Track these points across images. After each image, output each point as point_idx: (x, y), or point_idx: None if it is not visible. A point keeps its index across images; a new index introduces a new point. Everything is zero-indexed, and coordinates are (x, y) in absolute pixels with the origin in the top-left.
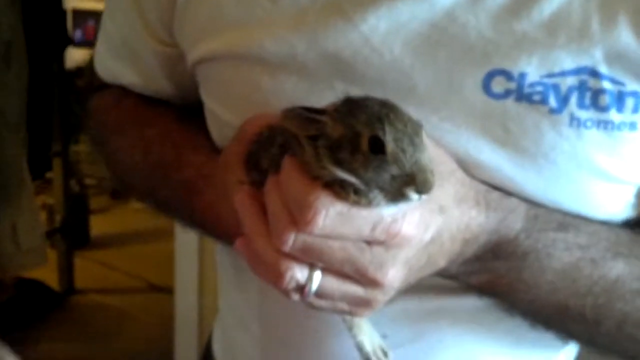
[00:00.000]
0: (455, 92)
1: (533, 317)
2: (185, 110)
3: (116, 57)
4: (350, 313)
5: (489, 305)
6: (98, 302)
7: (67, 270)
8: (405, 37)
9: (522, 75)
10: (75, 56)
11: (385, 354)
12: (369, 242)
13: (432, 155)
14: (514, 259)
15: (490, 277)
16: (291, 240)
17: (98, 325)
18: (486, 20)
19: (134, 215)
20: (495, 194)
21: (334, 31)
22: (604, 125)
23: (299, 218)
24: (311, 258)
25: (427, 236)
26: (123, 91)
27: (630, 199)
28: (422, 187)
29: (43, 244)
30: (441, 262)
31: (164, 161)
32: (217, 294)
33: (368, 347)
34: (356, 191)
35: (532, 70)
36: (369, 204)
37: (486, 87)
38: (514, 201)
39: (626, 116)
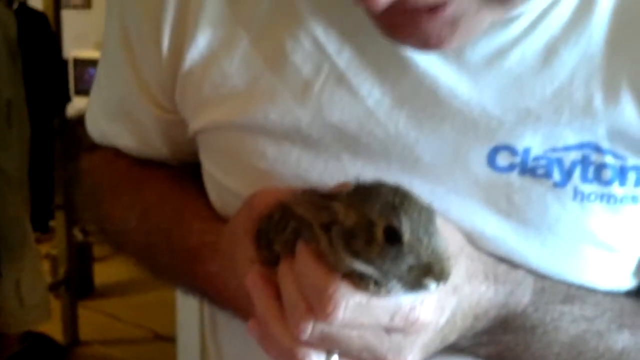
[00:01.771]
0: (460, 165)
1: None
2: (180, 170)
3: (111, 119)
4: None
5: None
6: (103, 354)
7: (71, 322)
8: (409, 112)
9: (526, 150)
10: (77, 104)
11: None
12: (387, 329)
13: (442, 233)
14: (523, 332)
15: (499, 349)
16: (309, 329)
17: None
18: (489, 96)
19: None
20: (503, 267)
21: (339, 105)
22: (607, 198)
23: (317, 309)
24: (329, 346)
25: (443, 320)
26: (115, 152)
27: (632, 268)
28: (440, 277)
29: (47, 299)
30: (452, 338)
31: (164, 227)
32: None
33: None
34: (375, 282)
35: (536, 145)
36: (388, 293)
37: (491, 161)
38: (520, 274)
39: (628, 189)
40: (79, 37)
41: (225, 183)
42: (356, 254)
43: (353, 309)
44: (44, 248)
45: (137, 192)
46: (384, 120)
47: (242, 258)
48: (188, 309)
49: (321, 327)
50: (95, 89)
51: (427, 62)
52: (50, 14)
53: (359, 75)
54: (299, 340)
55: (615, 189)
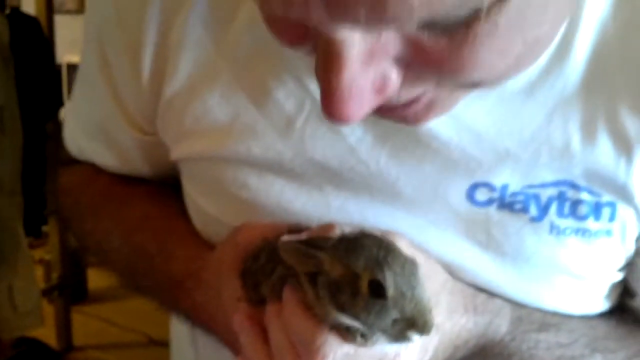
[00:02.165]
0: (440, 199)
1: None
2: (162, 188)
3: (90, 137)
4: None
5: None
6: (97, 359)
7: (65, 327)
8: (390, 150)
9: (504, 187)
10: None
11: None
12: None
13: (425, 272)
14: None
15: None
16: None
17: None
18: (468, 137)
19: None
20: (481, 297)
21: (322, 141)
22: (582, 232)
23: (305, 358)
24: None
25: (427, 356)
26: (95, 168)
27: (605, 293)
28: (423, 329)
29: (40, 305)
30: None
31: (147, 250)
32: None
33: None
34: (362, 334)
35: (514, 182)
36: (374, 345)
37: (470, 196)
38: (498, 303)
39: (603, 224)
40: (72, 43)
41: (207, 209)
42: (342, 308)
43: (341, 359)
44: (38, 253)
45: (119, 211)
46: (366, 157)
47: (229, 296)
48: None
49: None
50: (72, 106)
51: None
52: (42, 19)
53: None
54: None
55: (590, 223)
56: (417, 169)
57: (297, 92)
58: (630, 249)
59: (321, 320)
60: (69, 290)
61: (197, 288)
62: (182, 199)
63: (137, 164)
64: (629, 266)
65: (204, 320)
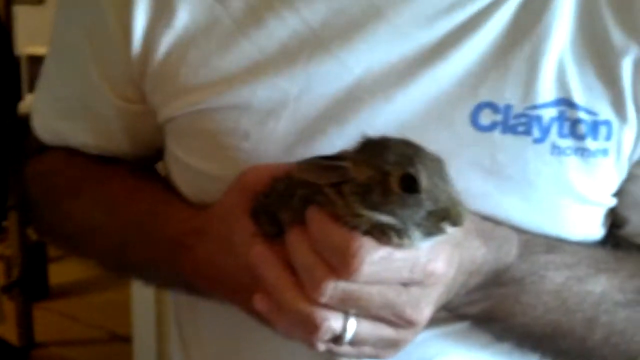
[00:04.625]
0: (445, 126)
1: (525, 339)
2: (142, 167)
3: (65, 116)
4: (375, 356)
5: (477, 329)
6: (59, 355)
7: (26, 324)
8: (396, 76)
9: (508, 107)
10: (30, 103)
11: None
12: (405, 284)
13: None
14: (513, 283)
15: (490, 304)
16: (330, 289)
17: None
18: (473, 55)
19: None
20: (488, 224)
21: (327, 74)
22: (581, 152)
23: (341, 267)
24: (349, 306)
25: (453, 272)
26: (68, 152)
27: (601, 220)
28: (457, 220)
29: (0, 301)
30: (450, 296)
31: (137, 221)
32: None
33: None
34: (397, 234)
35: (517, 103)
36: (411, 244)
37: (474, 120)
38: (504, 229)
39: (600, 144)
40: (32, 34)
41: (202, 168)
42: (374, 207)
43: (377, 263)
44: None
45: (100, 188)
46: (371, 86)
47: (242, 235)
48: (144, 308)
49: (343, 286)
50: (42, 90)
51: (410, 23)
52: (1, 10)
53: (345, 46)
54: (318, 303)
55: (589, 143)
56: (423, 93)
57: (299, 29)
58: (623, 172)
59: (353, 227)
60: (30, 286)
61: (200, 243)
62: (159, 176)
63: (117, 139)
64: (619, 193)
65: (209, 277)
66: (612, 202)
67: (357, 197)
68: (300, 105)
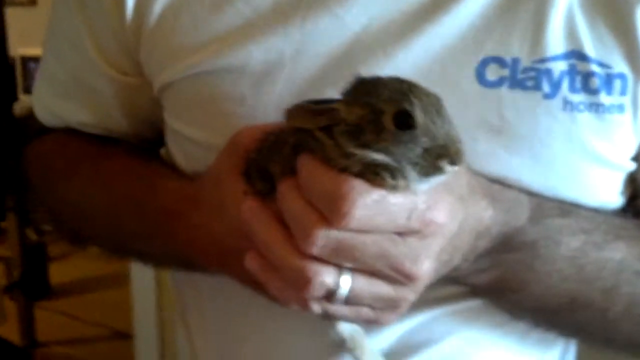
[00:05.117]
0: (449, 83)
1: (540, 313)
2: (139, 147)
3: (63, 96)
4: (375, 320)
5: (492, 306)
6: (62, 354)
7: (28, 324)
8: (396, 33)
9: (515, 61)
10: (24, 103)
11: None
12: (401, 234)
13: None
14: (525, 248)
15: (501, 272)
16: (321, 238)
17: None
18: (477, 7)
19: (94, 261)
20: (496, 186)
21: (323, 31)
22: (595, 108)
23: (331, 213)
24: (342, 258)
25: (454, 226)
26: (67, 134)
27: (620, 186)
28: (456, 158)
29: (1, 302)
30: (457, 259)
31: (133, 193)
32: (176, 337)
33: None
34: (392, 174)
35: (524, 56)
36: (406, 186)
37: (480, 76)
38: (514, 192)
39: (615, 98)
40: (25, 35)
41: (197, 137)
42: (366, 146)
43: (369, 207)
44: None
45: (97, 166)
46: (371, 43)
47: (233, 194)
48: (145, 306)
49: (334, 234)
50: (42, 72)
51: None
52: None
53: (342, 1)
54: (309, 255)
55: (603, 97)
56: (426, 49)
57: None
58: None
59: (344, 169)
60: (31, 286)
61: (193, 209)
62: (160, 157)
63: (115, 116)
64: (639, 158)
65: (202, 244)
66: (631, 166)
67: (349, 137)
68: (297, 66)
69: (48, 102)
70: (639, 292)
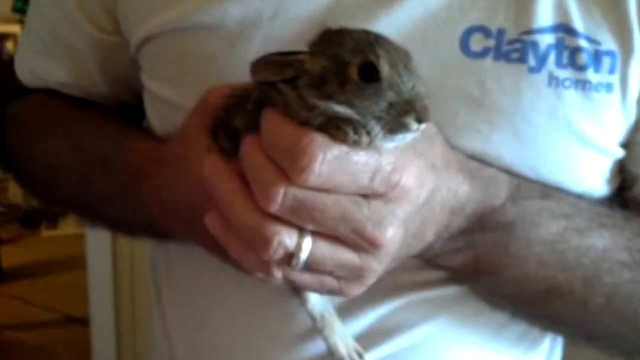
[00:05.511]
0: (431, 51)
1: (517, 301)
2: (116, 110)
3: (44, 54)
4: (340, 292)
5: (467, 295)
6: (13, 339)
7: None
8: None
9: (501, 32)
10: None
11: (360, 355)
12: (366, 197)
13: None
14: (501, 229)
15: (476, 253)
16: (280, 195)
17: None
18: None
19: (46, 244)
20: (475, 163)
21: None
22: (582, 85)
23: (290, 168)
24: (302, 218)
25: (424, 194)
26: (46, 94)
27: (606, 173)
28: (422, 115)
29: None
30: (429, 235)
31: (102, 153)
32: (134, 322)
33: (342, 349)
34: (354, 129)
35: (510, 27)
36: (370, 142)
37: (464, 45)
38: (493, 170)
39: (603, 77)
40: None
41: (171, 98)
42: (329, 97)
43: (330, 163)
44: None
45: (71, 128)
46: (351, 7)
47: (196, 150)
48: (101, 290)
49: (295, 192)
50: (26, 30)
51: None
52: None
53: None
54: (269, 212)
55: (590, 75)
56: (408, 14)
57: None
58: (631, 115)
59: (304, 122)
60: None
61: (160, 169)
62: (136, 121)
63: (94, 76)
64: (628, 146)
65: (168, 205)
66: (619, 152)
67: (312, 89)
68: (274, 28)
69: (28, 60)
70: (622, 284)
